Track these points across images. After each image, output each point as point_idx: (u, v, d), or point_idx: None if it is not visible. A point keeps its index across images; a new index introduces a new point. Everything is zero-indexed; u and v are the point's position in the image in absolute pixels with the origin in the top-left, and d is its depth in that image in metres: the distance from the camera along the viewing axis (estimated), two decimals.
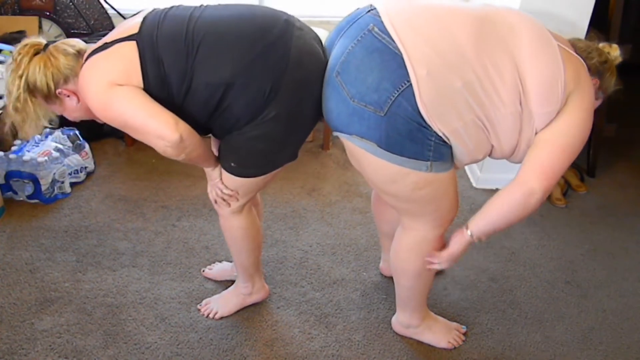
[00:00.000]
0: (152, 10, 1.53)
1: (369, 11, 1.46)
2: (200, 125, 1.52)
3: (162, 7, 1.55)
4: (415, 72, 1.35)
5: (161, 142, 1.46)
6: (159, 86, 1.45)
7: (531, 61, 1.40)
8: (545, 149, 1.46)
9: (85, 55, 1.51)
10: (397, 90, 1.37)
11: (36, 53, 1.50)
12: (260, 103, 1.45)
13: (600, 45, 1.59)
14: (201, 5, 1.53)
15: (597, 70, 1.55)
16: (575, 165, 2.96)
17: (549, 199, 2.74)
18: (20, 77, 1.49)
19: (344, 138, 1.51)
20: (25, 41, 1.52)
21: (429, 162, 1.46)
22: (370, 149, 1.46)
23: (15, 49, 1.53)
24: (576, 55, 1.48)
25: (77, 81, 1.51)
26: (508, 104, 1.41)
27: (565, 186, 2.83)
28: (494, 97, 1.40)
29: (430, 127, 1.40)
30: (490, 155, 1.56)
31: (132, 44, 1.44)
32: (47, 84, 1.50)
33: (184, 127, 1.46)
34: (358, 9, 1.51)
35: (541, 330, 2.00)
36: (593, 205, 2.74)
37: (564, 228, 2.56)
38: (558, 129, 1.45)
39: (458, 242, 1.62)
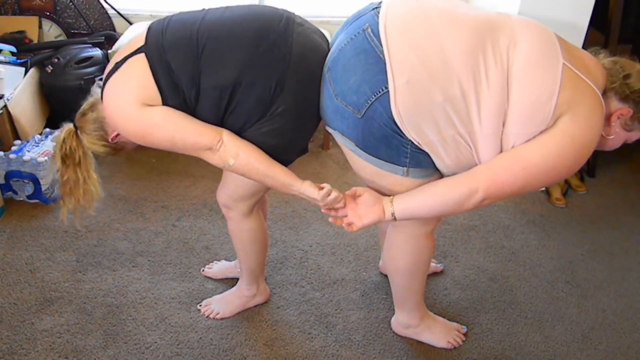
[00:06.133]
0: (156, 20, 1.54)
1: (374, 9, 1.44)
2: None
3: (165, 15, 1.56)
4: (395, 80, 1.33)
5: (209, 152, 1.48)
6: (174, 92, 1.46)
7: (522, 77, 1.32)
8: (509, 158, 1.37)
9: (104, 78, 1.52)
10: (375, 95, 1.37)
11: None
12: (267, 99, 1.46)
13: None
14: (203, 9, 1.54)
15: (626, 96, 1.41)
16: None
17: (549, 199, 2.74)
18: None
19: (332, 131, 1.54)
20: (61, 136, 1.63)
21: (405, 168, 1.45)
22: (350, 146, 1.49)
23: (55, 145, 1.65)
24: (586, 80, 1.35)
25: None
26: (486, 125, 1.35)
27: (565, 186, 2.82)
28: (473, 116, 1.35)
29: (404, 135, 1.39)
30: None
31: (141, 57, 1.46)
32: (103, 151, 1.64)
33: (225, 130, 1.49)
34: (372, 3, 1.48)
35: (541, 330, 2.00)
36: (593, 205, 2.74)
37: (564, 228, 2.56)
38: (532, 144, 1.35)
39: (375, 217, 1.50)
